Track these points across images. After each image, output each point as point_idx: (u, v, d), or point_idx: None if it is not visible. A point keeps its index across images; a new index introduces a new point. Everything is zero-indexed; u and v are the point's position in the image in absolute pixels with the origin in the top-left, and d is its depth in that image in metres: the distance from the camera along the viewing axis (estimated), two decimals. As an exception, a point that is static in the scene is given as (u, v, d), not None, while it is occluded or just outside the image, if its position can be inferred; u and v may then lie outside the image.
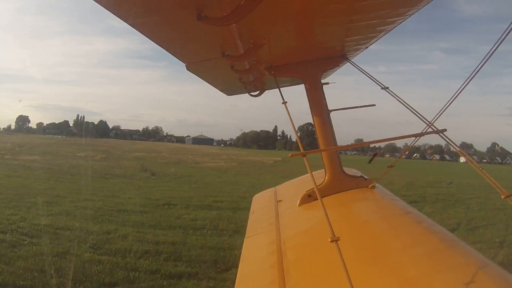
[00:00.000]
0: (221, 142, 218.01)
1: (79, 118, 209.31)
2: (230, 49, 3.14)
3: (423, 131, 3.14)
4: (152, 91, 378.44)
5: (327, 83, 4.51)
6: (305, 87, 4.41)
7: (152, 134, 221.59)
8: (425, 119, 3.14)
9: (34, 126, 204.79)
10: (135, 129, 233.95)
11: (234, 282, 3.00)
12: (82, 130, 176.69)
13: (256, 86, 5.43)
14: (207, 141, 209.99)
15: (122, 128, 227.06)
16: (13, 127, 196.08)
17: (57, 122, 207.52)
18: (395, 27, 3.33)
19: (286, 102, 3.77)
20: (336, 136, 4.42)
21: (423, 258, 2.51)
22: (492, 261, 2.40)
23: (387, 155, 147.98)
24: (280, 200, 5.10)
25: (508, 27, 2.48)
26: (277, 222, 4.15)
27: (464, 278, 2.08)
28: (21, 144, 66.85)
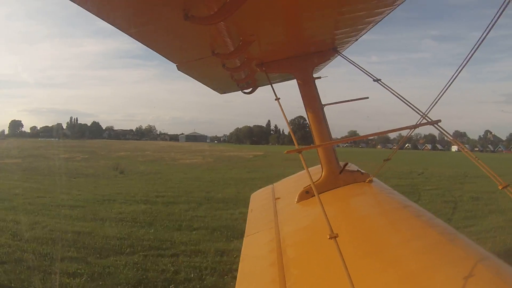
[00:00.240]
0: (214, 139, 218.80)
1: (73, 120, 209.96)
2: (220, 47, 3.12)
3: (417, 123, 3.12)
4: (145, 90, 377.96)
5: (319, 77, 4.49)
6: (298, 82, 4.39)
7: (146, 133, 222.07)
8: (419, 110, 3.12)
9: (28, 130, 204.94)
10: (129, 129, 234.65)
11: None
12: (75, 132, 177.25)
13: (249, 83, 5.40)
14: (201, 138, 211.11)
15: (115, 128, 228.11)
16: (6, 132, 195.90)
17: (50, 125, 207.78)
18: (384, 17, 3.31)
19: (279, 98, 3.74)
20: (329, 127, 4.40)
21: (423, 252, 2.49)
22: (492, 254, 2.39)
23: (379, 146, 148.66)
24: (278, 198, 5.08)
25: (497, 11, 2.46)
26: (276, 219, 4.13)
27: (464, 271, 2.07)
28: (10, 148, 68.23)
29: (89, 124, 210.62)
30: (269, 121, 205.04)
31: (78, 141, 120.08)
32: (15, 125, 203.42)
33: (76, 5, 1.90)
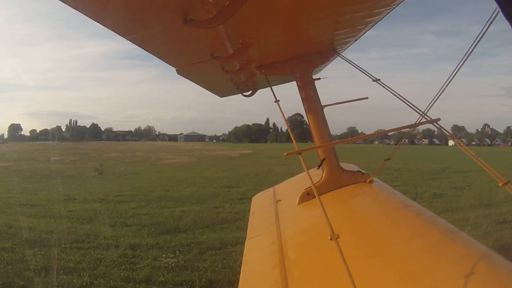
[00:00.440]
0: (213, 138, 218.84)
1: (72, 122, 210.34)
2: (219, 50, 3.12)
3: (417, 121, 3.12)
4: (145, 90, 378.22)
5: (319, 79, 4.50)
6: (297, 84, 4.40)
7: (145, 134, 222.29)
8: (418, 109, 3.12)
9: (28, 134, 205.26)
10: (128, 130, 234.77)
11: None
12: (74, 134, 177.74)
13: (248, 86, 5.41)
14: (200, 138, 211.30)
15: (114, 129, 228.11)
16: (6, 136, 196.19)
17: (49, 128, 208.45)
18: (383, 17, 3.32)
19: (279, 100, 3.75)
20: (328, 124, 4.40)
21: (424, 252, 2.49)
22: (494, 251, 2.39)
23: (376, 142, 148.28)
24: (279, 200, 5.08)
25: (497, 7, 2.46)
26: (277, 222, 4.13)
27: (465, 269, 2.06)
28: (5, 152, 69.58)
29: (88, 126, 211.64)
30: (267, 119, 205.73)
31: (75, 143, 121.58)
32: (14, 128, 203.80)
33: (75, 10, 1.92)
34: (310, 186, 4.14)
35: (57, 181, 30.00)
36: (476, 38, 2.71)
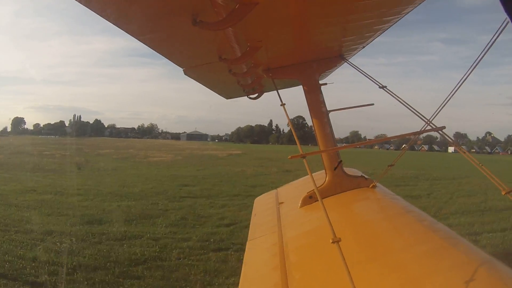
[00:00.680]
0: (215, 138, 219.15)
1: (76, 118, 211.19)
2: (227, 52, 3.15)
3: (422, 129, 3.14)
4: (152, 88, 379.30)
5: (325, 84, 4.51)
6: (304, 88, 4.42)
7: (148, 132, 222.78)
8: (423, 117, 3.14)
9: (31, 127, 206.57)
10: (131, 127, 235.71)
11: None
12: (76, 130, 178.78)
13: (255, 88, 5.44)
14: (202, 137, 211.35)
15: (117, 126, 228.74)
16: (9, 129, 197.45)
17: (52, 122, 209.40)
18: (392, 25, 3.33)
19: (285, 104, 3.77)
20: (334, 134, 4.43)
21: (426, 258, 2.50)
22: (495, 258, 2.39)
23: (376, 147, 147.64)
24: (281, 202, 5.09)
25: (506, 18, 2.46)
26: (279, 224, 4.14)
27: (466, 276, 2.07)
28: (1, 145, 68.94)
29: (91, 122, 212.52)
30: (271, 120, 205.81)
31: (76, 139, 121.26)
32: (18, 122, 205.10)
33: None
34: (313, 190, 4.16)
35: (33, 174, 30.50)
36: (486, 47, 2.71)
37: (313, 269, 2.94)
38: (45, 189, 22.81)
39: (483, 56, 2.78)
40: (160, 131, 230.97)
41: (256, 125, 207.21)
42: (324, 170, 4.34)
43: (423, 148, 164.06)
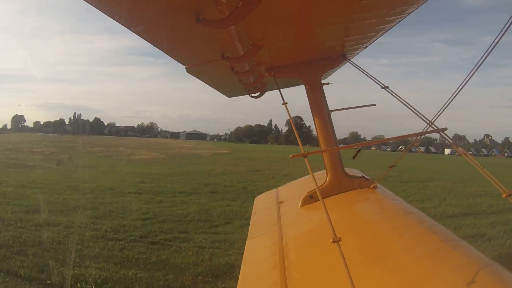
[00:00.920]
0: (215, 137, 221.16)
1: (76, 116, 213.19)
2: (230, 51, 3.15)
3: (424, 130, 3.13)
4: (154, 87, 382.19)
5: (327, 83, 4.51)
6: (306, 87, 4.41)
7: (147, 130, 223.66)
8: (425, 118, 3.13)
9: (31, 125, 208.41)
10: (131, 125, 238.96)
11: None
12: (76, 128, 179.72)
13: (257, 87, 5.43)
14: (201, 136, 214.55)
15: (117, 125, 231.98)
16: (9, 126, 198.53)
17: (52, 120, 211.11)
18: (394, 25, 3.33)
19: (287, 103, 3.77)
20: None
21: (425, 259, 2.50)
22: (494, 261, 2.39)
23: (373, 148, 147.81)
24: (282, 201, 5.09)
25: (510, 19, 2.45)
26: (279, 223, 4.14)
27: (466, 277, 2.07)
28: None
29: (91, 120, 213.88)
30: (270, 120, 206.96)
31: (74, 137, 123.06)
32: (17, 119, 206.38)
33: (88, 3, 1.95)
34: (314, 189, 4.16)
35: (12, 169, 31.85)
36: (488, 48, 2.70)
37: (312, 268, 2.94)
38: (11, 183, 24.23)
39: (486, 57, 2.76)
40: (159, 130, 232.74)
41: (255, 125, 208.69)
42: (325, 170, 4.34)
43: (419, 150, 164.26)
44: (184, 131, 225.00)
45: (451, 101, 3.23)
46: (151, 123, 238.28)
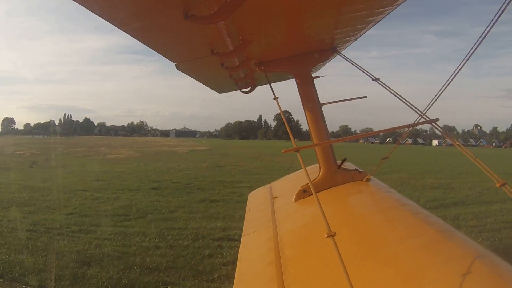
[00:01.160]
0: (205, 134, 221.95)
1: (66, 117, 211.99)
2: (219, 46, 3.12)
3: (416, 121, 3.13)
4: (145, 85, 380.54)
5: (318, 77, 4.50)
6: (296, 81, 4.40)
7: (137, 129, 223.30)
8: (417, 109, 3.13)
9: (22, 127, 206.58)
10: (121, 125, 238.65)
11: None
12: (66, 129, 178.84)
13: (247, 82, 5.41)
14: (191, 133, 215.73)
15: (107, 124, 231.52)
16: None
17: (42, 122, 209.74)
18: (384, 17, 3.32)
19: (278, 97, 3.75)
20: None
21: (420, 250, 2.50)
22: (490, 251, 2.40)
23: (361, 141, 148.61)
24: (275, 197, 5.09)
25: (500, 8, 2.45)
26: (274, 218, 4.14)
27: (461, 268, 2.08)
28: None
29: (81, 121, 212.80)
30: (260, 115, 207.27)
31: (62, 138, 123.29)
32: (7, 122, 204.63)
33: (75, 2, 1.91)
34: (307, 184, 4.16)
35: None
36: (479, 39, 2.69)
37: (308, 263, 2.94)
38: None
39: (477, 47, 2.76)
40: (149, 129, 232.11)
41: (245, 120, 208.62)
42: (317, 164, 4.34)
43: (407, 142, 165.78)
44: (175, 129, 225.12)
45: (442, 91, 3.24)
46: (141, 121, 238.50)
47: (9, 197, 20.68)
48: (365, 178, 4.21)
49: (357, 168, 4.48)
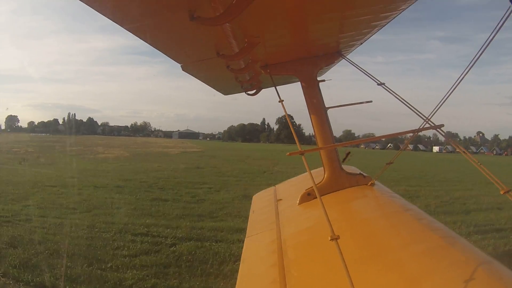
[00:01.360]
0: (207, 136, 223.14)
1: (70, 116, 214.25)
2: (225, 48, 3.13)
3: (421, 126, 3.12)
4: (150, 86, 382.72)
5: (323, 80, 4.50)
6: (302, 85, 4.40)
7: (141, 130, 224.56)
8: (422, 114, 3.12)
9: (25, 125, 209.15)
10: (124, 125, 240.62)
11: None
12: (69, 128, 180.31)
13: (253, 84, 5.42)
14: (193, 135, 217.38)
15: (111, 124, 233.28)
16: (3, 127, 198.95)
17: (46, 120, 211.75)
18: (389, 22, 3.32)
19: (283, 100, 3.76)
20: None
21: (424, 256, 2.49)
22: (493, 258, 2.38)
23: (362, 146, 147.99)
24: (280, 199, 5.09)
25: (505, 14, 2.44)
26: (277, 221, 4.14)
27: (464, 274, 2.06)
28: None
29: (85, 120, 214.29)
30: (264, 119, 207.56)
31: (63, 137, 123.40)
32: (11, 120, 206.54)
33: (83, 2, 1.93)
34: (312, 187, 4.16)
35: None
36: (483, 45, 2.68)
37: (311, 266, 2.93)
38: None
39: (482, 53, 2.75)
40: (152, 129, 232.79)
41: (248, 123, 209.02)
42: (322, 168, 4.34)
43: (408, 148, 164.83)
44: (178, 130, 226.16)
45: (447, 97, 3.22)
46: (145, 122, 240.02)
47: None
48: (370, 183, 4.20)
49: (361, 172, 4.47)
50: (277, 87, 4.07)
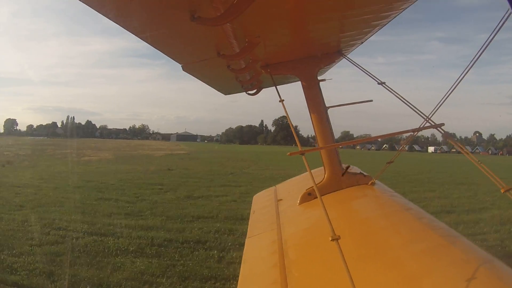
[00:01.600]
0: (205, 138, 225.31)
1: (69, 119, 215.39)
2: (225, 48, 3.13)
3: (421, 125, 3.12)
4: (151, 89, 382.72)
5: (324, 80, 4.50)
6: (302, 84, 4.40)
7: (139, 132, 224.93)
8: (422, 113, 3.12)
9: (24, 129, 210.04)
10: (122, 128, 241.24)
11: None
12: (67, 131, 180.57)
13: (253, 84, 5.42)
14: (191, 138, 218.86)
15: (109, 127, 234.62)
16: (2, 130, 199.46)
17: (44, 124, 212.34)
18: (390, 21, 3.32)
19: (283, 100, 3.76)
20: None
21: (425, 255, 2.49)
22: (494, 257, 2.38)
23: (358, 147, 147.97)
24: (280, 199, 5.08)
25: (505, 15, 2.44)
26: (278, 221, 4.14)
27: (465, 273, 2.06)
28: None
29: (83, 123, 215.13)
30: (262, 121, 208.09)
31: (59, 140, 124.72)
32: (10, 123, 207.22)
33: (83, 3, 1.93)
34: (312, 187, 4.15)
35: None
36: (483, 45, 2.69)
37: (312, 266, 2.93)
38: None
39: (482, 53, 2.75)
40: (151, 132, 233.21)
41: (246, 125, 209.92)
42: (323, 167, 4.33)
43: (403, 148, 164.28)
44: (176, 133, 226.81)
45: (447, 97, 3.22)
46: (143, 125, 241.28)
47: None
48: (370, 182, 4.19)
49: (362, 172, 4.46)
50: (277, 86, 4.07)
